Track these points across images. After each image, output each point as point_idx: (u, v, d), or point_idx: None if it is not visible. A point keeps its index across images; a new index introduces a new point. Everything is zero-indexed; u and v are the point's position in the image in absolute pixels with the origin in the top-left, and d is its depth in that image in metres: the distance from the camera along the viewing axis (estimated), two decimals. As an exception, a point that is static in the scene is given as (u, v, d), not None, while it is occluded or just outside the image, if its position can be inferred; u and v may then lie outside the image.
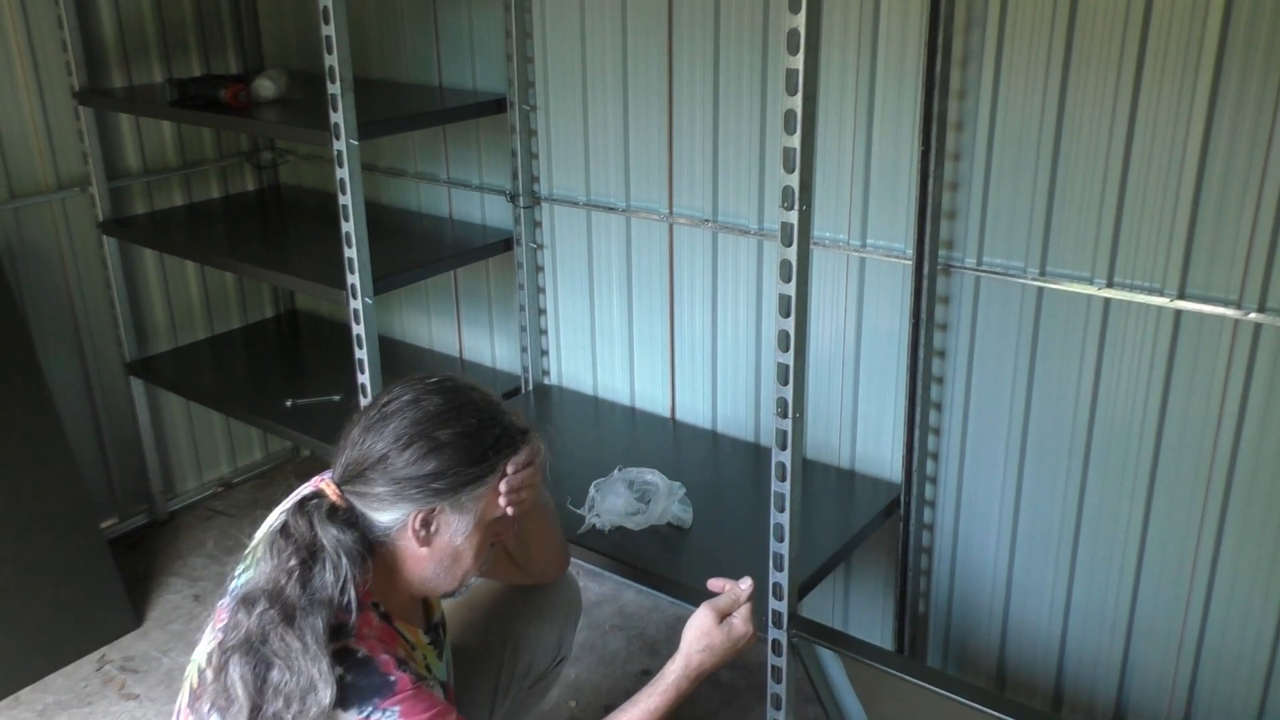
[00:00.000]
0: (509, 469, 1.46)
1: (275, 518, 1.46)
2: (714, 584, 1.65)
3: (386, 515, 1.41)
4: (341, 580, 1.36)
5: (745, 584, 1.62)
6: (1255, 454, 1.82)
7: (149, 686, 2.45)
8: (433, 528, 1.43)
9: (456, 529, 1.44)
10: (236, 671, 1.31)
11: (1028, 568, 2.14)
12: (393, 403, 1.43)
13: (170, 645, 2.58)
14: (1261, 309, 1.75)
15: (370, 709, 1.32)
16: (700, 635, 1.57)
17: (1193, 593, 1.96)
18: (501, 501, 1.46)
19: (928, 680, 1.77)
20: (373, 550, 1.43)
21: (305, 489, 1.49)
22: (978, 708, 1.71)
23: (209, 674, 1.35)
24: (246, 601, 1.35)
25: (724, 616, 1.59)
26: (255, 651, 1.32)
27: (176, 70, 2.87)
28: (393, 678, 1.35)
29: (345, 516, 1.41)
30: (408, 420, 1.40)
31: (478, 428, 1.43)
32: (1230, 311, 1.78)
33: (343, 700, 1.31)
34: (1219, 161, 1.73)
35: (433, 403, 1.42)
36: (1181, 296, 1.82)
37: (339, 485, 1.44)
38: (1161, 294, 1.84)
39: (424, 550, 1.44)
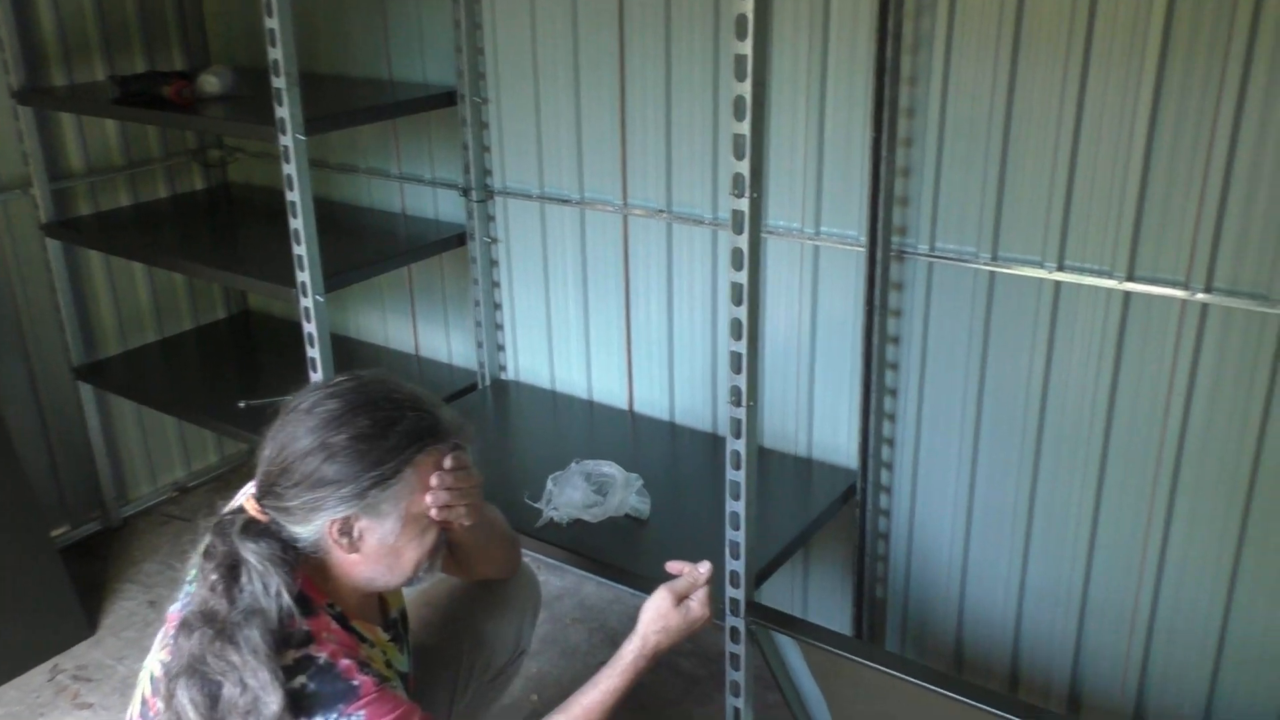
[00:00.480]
0: (424, 449, 1.40)
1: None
2: (672, 566, 1.66)
3: (304, 529, 1.38)
4: (274, 589, 1.33)
5: (704, 567, 1.64)
6: (1204, 432, 1.85)
7: (103, 695, 2.40)
8: (355, 534, 1.39)
9: (384, 531, 1.40)
10: (185, 696, 1.30)
11: (983, 551, 2.16)
12: (293, 412, 1.39)
13: (124, 652, 2.53)
14: (1208, 289, 1.77)
15: (335, 715, 1.31)
16: (657, 616, 1.59)
17: (1144, 571, 1.98)
18: (433, 515, 1.42)
19: (885, 664, 1.77)
20: (306, 556, 1.40)
21: (229, 506, 1.46)
22: (935, 690, 1.71)
23: (160, 704, 1.33)
24: (184, 627, 1.34)
25: (681, 599, 1.61)
26: (199, 673, 1.30)
27: (119, 67, 2.82)
28: (356, 682, 1.33)
29: (264, 530, 1.38)
30: (304, 428, 1.36)
31: (372, 429, 1.37)
32: (1178, 292, 1.80)
33: (307, 709, 1.30)
34: (1165, 145, 1.75)
35: (328, 408, 1.38)
36: (1130, 279, 1.84)
37: (259, 500, 1.41)
38: (1111, 276, 1.86)
39: (356, 556, 1.41)
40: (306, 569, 1.41)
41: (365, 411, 1.38)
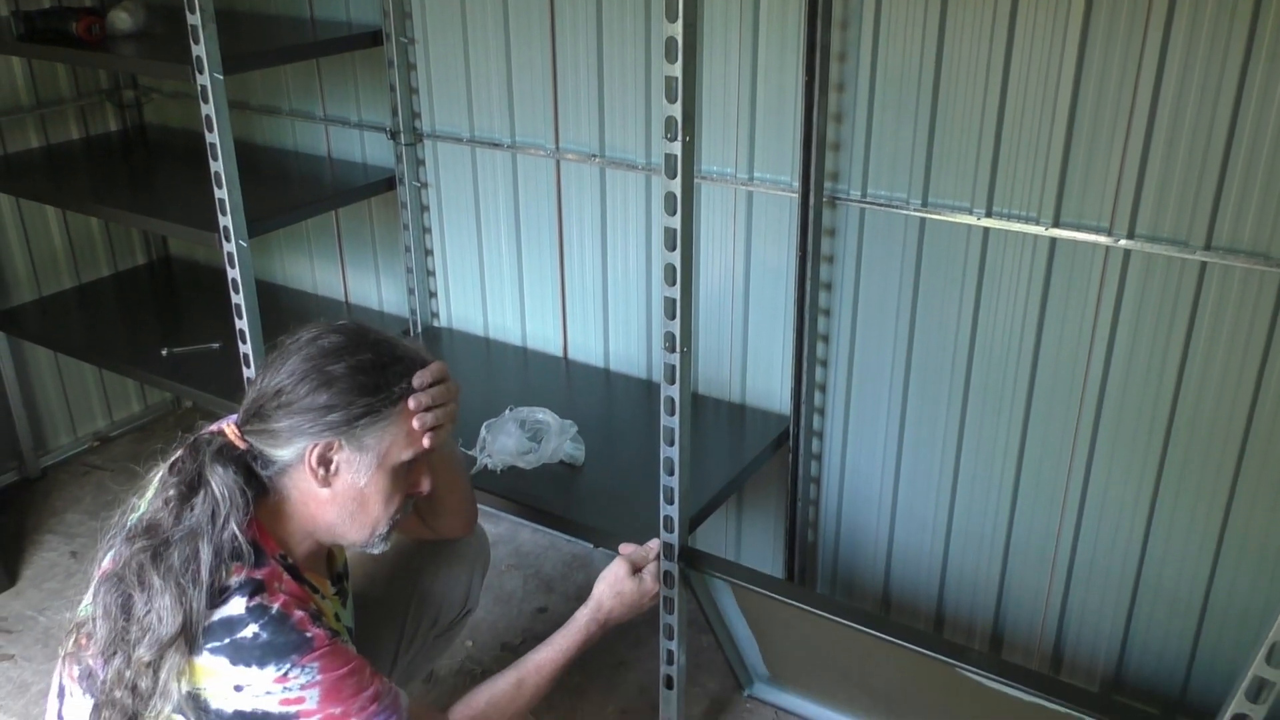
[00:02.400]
0: (414, 390, 1.43)
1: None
2: (624, 549, 1.78)
3: (284, 450, 1.38)
4: (222, 518, 1.33)
5: (653, 543, 1.78)
6: (1124, 376, 1.89)
7: (25, 646, 2.35)
8: (332, 467, 1.40)
9: (358, 468, 1.41)
10: (105, 599, 1.32)
11: (911, 495, 2.20)
12: (293, 343, 1.42)
13: (46, 604, 2.48)
14: (1130, 235, 1.81)
15: (288, 665, 1.31)
16: (615, 582, 1.72)
17: (1065, 514, 2.04)
18: (415, 424, 1.43)
19: (815, 606, 1.81)
20: (267, 495, 1.41)
21: (205, 430, 1.46)
22: (863, 630, 1.75)
23: (90, 603, 1.37)
24: (129, 534, 1.35)
25: (636, 571, 1.74)
26: (122, 580, 1.32)
27: (24, 2, 2.69)
28: (309, 634, 1.33)
29: (238, 457, 1.39)
30: (302, 356, 1.39)
31: (372, 362, 1.40)
32: (1101, 239, 1.83)
33: (259, 658, 1.30)
34: (1090, 94, 1.77)
35: (329, 340, 1.41)
36: (1056, 225, 1.87)
37: (241, 426, 1.42)
38: (1037, 223, 1.88)
39: (325, 492, 1.41)
40: (263, 515, 1.40)
41: (367, 348, 1.41)
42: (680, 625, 1.90)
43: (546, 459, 2.09)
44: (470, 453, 2.09)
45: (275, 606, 1.32)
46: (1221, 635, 1.96)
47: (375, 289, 2.87)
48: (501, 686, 1.59)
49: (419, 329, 2.72)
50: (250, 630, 1.30)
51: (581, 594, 2.49)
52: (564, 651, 1.64)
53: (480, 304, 2.66)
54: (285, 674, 1.30)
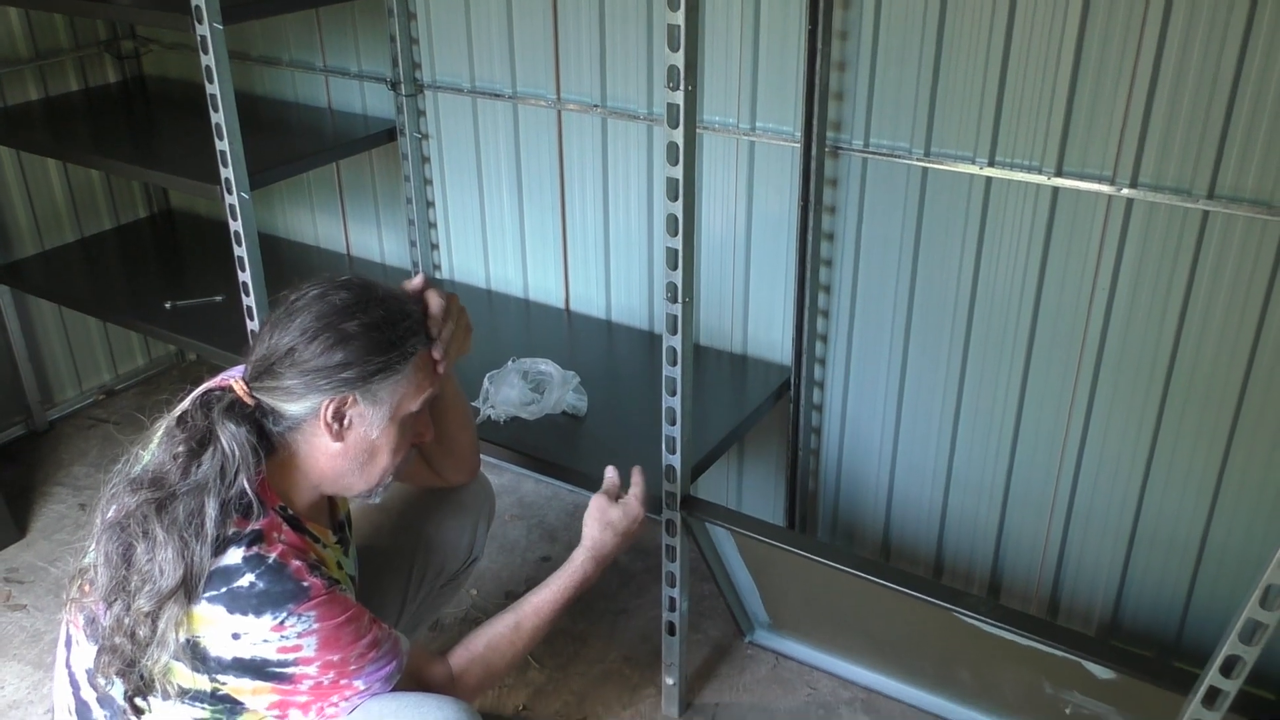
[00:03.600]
0: (426, 343, 1.46)
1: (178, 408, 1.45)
2: (610, 470, 1.78)
3: (297, 405, 1.39)
4: (231, 474, 1.34)
5: (635, 471, 1.77)
6: (1125, 325, 1.90)
7: (36, 596, 2.39)
8: (345, 421, 1.41)
9: (371, 421, 1.42)
10: (106, 547, 1.33)
11: (911, 443, 2.21)
12: (300, 300, 1.41)
13: (56, 555, 2.51)
14: (1134, 184, 1.80)
15: (284, 614, 1.32)
16: (599, 514, 1.71)
17: (1064, 461, 2.05)
18: (436, 355, 1.47)
19: (816, 553, 1.83)
20: (274, 450, 1.42)
21: (211, 383, 1.47)
22: (863, 577, 1.78)
23: (93, 550, 1.38)
24: (133, 484, 1.36)
25: (615, 498, 1.73)
26: (124, 529, 1.32)
27: (21, -50, 2.67)
28: (306, 583, 1.34)
29: (248, 413, 1.40)
30: (314, 314, 1.39)
31: (384, 319, 1.41)
32: (1104, 188, 1.83)
33: (255, 607, 1.31)
34: (1095, 41, 1.76)
35: (339, 297, 1.40)
36: (1059, 174, 1.86)
37: (249, 383, 1.42)
38: (1040, 172, 1.88)
39: (338, 446, 1.42)
40: (269, 469, 1.41)
41: (377, 304, 1.41)
42: (682, 573, 1.93)
43: (549, 410, 2.11)
44: (474, 404, 2.10)
45: (272, 556, 1.34)
46: (1217, 580, 1.98)
47: (377, 241, 2.87)
48: (499, 629, 1.60)
49: (421, 281, 2.72)
50: (247, 580, 1.31)
51: (585, 543, 2.53)
52: (562, 590, 1.65)
53: (482, 256, 2.67)
54: (282, 622, 1.32)
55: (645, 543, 2.51)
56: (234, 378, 1.44)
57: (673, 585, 1.94)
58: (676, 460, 1.81)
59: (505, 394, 2.10)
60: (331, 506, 1.59)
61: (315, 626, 1.34)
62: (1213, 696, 1.31)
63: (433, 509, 1.85)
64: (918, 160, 1.98)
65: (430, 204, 2.67)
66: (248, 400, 1.41)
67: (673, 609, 1.96)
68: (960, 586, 2.27)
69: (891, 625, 1.97)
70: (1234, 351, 1.82)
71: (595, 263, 2.48)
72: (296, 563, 1.35)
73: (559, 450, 2.04)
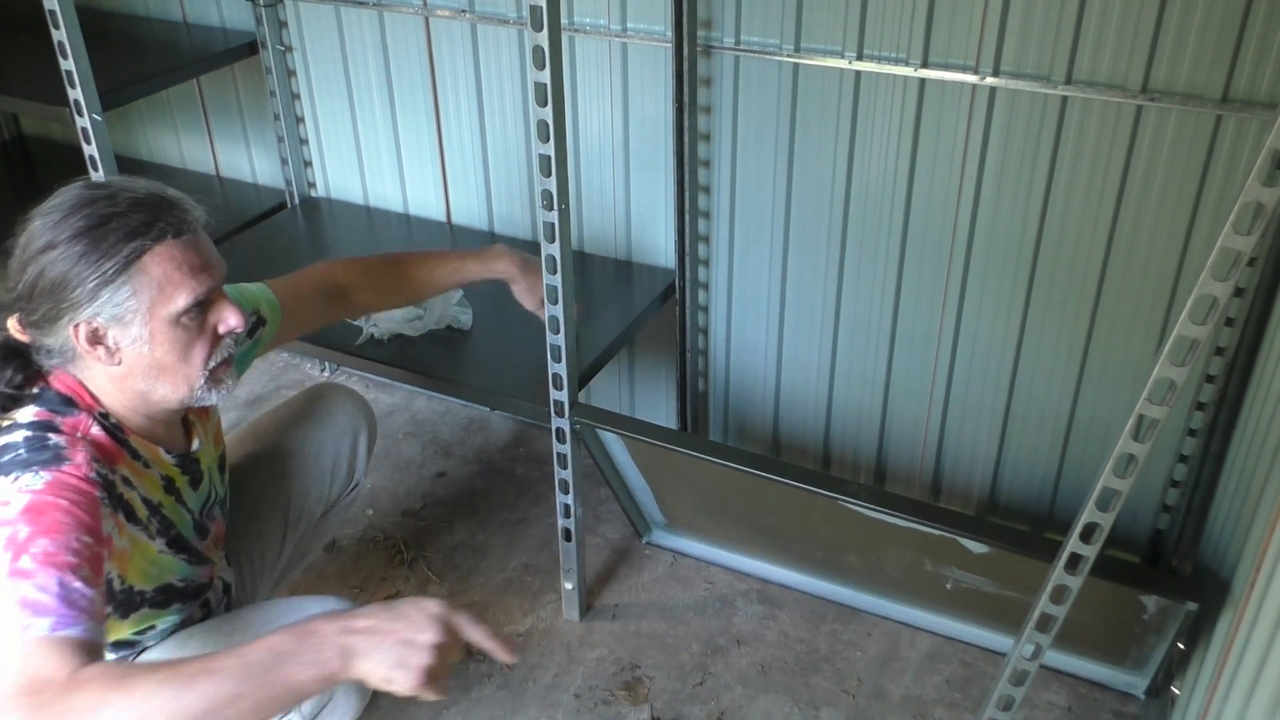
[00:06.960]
0: (165, 271, 1.32)
1: None
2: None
3: (53, 339, 1.33)
4: None
5: None
6: (992, 213, 1.95)
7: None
8: (110, 344, 1.33)
9: (135, 337, 1.33)
10: None
11: (796, 340, 2.26)
12: (24, 223, 1.33)
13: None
14: (996, 72, 1.83)
15: (23, 471, 1.23)
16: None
17: (940, 347, 2.12)
18: (220, 330, 1.39)
19: (705, 452, 1.86)
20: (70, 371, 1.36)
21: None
22: (755, 473, 1.82)
23: None
24: None
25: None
26: None
27: None
28: (65, 453, 1.27)
29: (15, 351, 1.35)
30: (30, 234, 1.31)
31: (88, 226, 1.29)
32: (968, 77, 1.85)
33: (5, 468, 1.24)
34: (956, -73, 1.77)
35: (53, 205, 1.32)
36: (925, 65, 1.88)
37: (21, 323, 1.35)
38: (907, 64, 1.89)
39: (120, 369, 1.35)
40: (78, 379, 1.36)
41: (84, 207, 1.30)
42: (575, 480, 1.95)
43: (433, 325, 2.09)
44: (355, 323, 2.07)
45: (53, 438, 1.28)
46: (1084, 455, 2.08)
47: (247, 161, 2.77)
48: (160, 669, 1.13)
49: (296, 200, 2.64)
50: (18, 451, 1.26)
51: (479, 456, 2.54)
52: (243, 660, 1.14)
53: (358, 172, 2.59)
54: (16, 478, 1.23)
55: (540, 452, 2.53)
56: (13, 315, 1.37)
57: (566, 492, 1.96)
58: (563, 368, 1.82)
59: (388, 311, 2.07)
60: (188, 434, 1.52)
61: (37, 490, 1.22)
62: (1074, 562, 1.39)
63: (309, 437, 1.82)
64: (788, 56, 1.98)
65: (300, 120, 2.58)
66: (21, 337, 1.35)
67: (568, 515, 1.99)
68: (848, 476, 2.34)
69: (782, 517, 2.03)
70: (1094, 234, 1.88)
71: (475, 173, 2.44)
72: (78, 452, 1.28)
73: (446, 365, 2.03)
